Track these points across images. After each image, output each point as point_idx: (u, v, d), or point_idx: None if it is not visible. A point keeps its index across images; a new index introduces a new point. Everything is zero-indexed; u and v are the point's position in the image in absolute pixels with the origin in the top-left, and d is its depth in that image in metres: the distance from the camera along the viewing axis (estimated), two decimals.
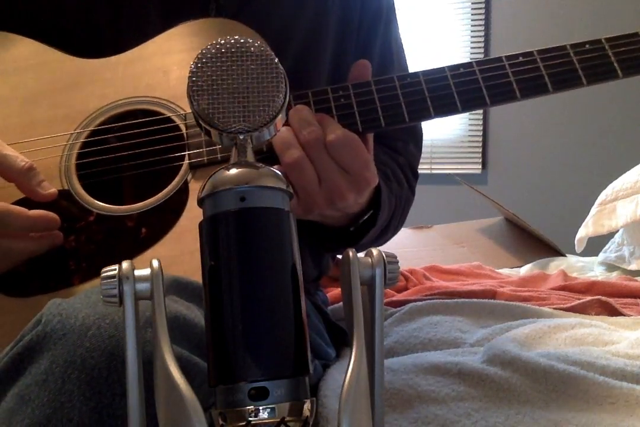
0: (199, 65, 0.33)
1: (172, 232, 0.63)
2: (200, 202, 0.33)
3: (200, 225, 0.33)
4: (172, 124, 0.68)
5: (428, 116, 0.66)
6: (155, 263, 0.33)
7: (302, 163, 0.61)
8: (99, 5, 0.76)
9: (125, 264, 0.33)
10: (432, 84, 0.66)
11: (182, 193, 0.64)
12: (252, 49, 0.33)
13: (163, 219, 0.63)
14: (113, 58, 0.72)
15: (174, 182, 0.65)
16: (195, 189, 0.64)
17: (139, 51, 0.72)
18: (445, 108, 0.66)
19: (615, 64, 0.68)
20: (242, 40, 0.33)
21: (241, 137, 0.34)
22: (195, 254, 0.60)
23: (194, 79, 0.33)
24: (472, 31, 3.18)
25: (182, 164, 0.66)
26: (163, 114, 0.68)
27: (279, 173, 0.33)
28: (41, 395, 0.46)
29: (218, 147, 0.66)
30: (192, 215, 0.63)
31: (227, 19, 0.72)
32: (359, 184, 0.64)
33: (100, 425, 0.45)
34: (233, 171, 0.32)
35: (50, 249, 0.63)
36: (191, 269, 0.59)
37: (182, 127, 0.67)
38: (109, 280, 0.32)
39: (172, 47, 0.72)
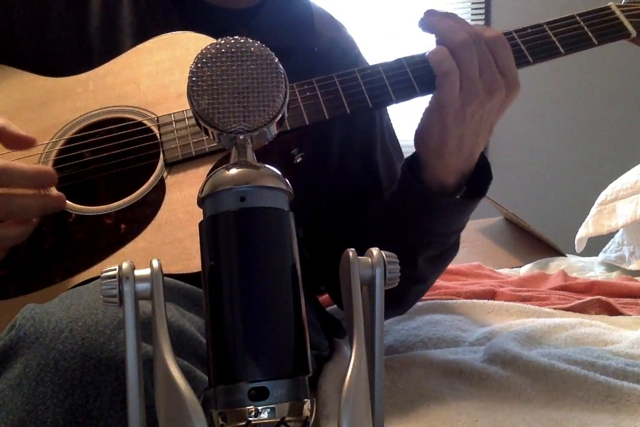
0: (199, 65, 0.33)
1: (151, 225, 0.64)
2: (200, 202, 0.33)
3: (200, 225, 0.33)
4: (144, 127, 0.70)
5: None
6: (155, 263, 0.33)
7: (471, 44, 0.67)
8: (71, 36, 0.78)
9: (125, 264, 0.33)
10: None
11: (159, 189, 0.66)
12: (252, 49, 0.33)
13: (141, 214, 0.65)
14: (83, 75, 0.74)
15: (150, 180, 0.67)
16: (171, 184, 0.66)
17: (108, 67, 0.75)
18: None
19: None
20: (242, 40, 0.33)
21: (241, 137, 0.33)
22: (175, 243, 0.62)
23: (194, 79, 0.33)
24: None
25: (157, 163, 0.68)
26: (136, 120, 0.70)
27: (279, 173, 0.33)
28: (15, 399, 0.46)
29: (192, 142, 0.67)
30: (170, 208, 0.64)
31: (193, 32, 0.74)
32: (511, 86, 0.69)
33: (74, 426, 0.45)
34: (233, 171, 0.32)
35: (54, 211, 0.64)
36: (172, 258, 0.60)
37: (155, 128, 0.69)
38: (109, 280, 0.32)
39: (140, 61, 0.74)
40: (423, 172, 0.74)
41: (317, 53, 0.84)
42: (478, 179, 0.76)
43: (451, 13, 0.71)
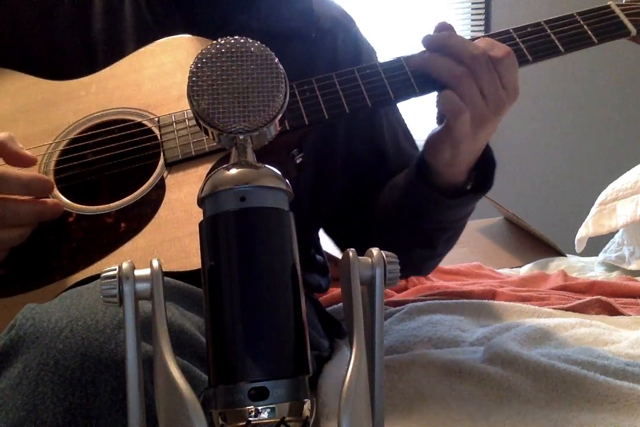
0: (199, 65, 0.33)
1: (151, 224, 0.64)
2: (200, 202, 0.33)
3: (200, 225, 0.33)
4: (145, 128, 0.70)
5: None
6: (155, 263, 0.33)
7: (468, 76, 0.67)
8: (75, 37, 0.79)
9: (125, 264, 0.33)
10: None
11: (159, 188, 0.66)
12: (252, 49, 0.33)
13: (141, 213, 0.65)
14: (86, 78, 0.75)
15: (150, 180, 0.67)
16: (171, 184, 0.66)
17: (111, 70, 0.75)
18: None
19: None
20: (242, 40, 0.33)
21: (241, 137, 0.33)
22: (174, 241, 0.62)
23: (194, 79, 0.33)
24: (472, 31, 3.18)
25: (157, 163, 0.68)
26: (137, 121, 0.71)
27: (279, 173, 0.33)
28: (15, 398, 0.46)
29: (192, 142, 0.68)
30: (170, 207, 0.65)
31: (197, 36, 0.75)
32: (513, 96, 0.70)
33: (74, 425, 0.45)
34: (233, 171, 0.32)
35: (51, 218, 0.64)
36: (171, 255, 0.61)
37: (155, 129, 0.69)
38: (109, 280, 0.32)
39: (143, 64, 0.75)
40: (433, 177, 0.75)
41: (319, 36, 0.84)
42: (483, 163, 0.76)
43: (444, 38, 0.69)
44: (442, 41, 0.69)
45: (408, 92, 0.70)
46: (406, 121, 0.96)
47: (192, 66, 0.33)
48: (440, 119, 0.72)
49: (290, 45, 0.80)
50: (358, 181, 0.90)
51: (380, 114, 0.90)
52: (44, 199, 0.64)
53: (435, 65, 0.68)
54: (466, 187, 0.76)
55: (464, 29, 3.18)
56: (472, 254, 1.76)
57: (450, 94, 0.67)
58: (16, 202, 0.62)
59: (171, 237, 0.63)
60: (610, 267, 1.63)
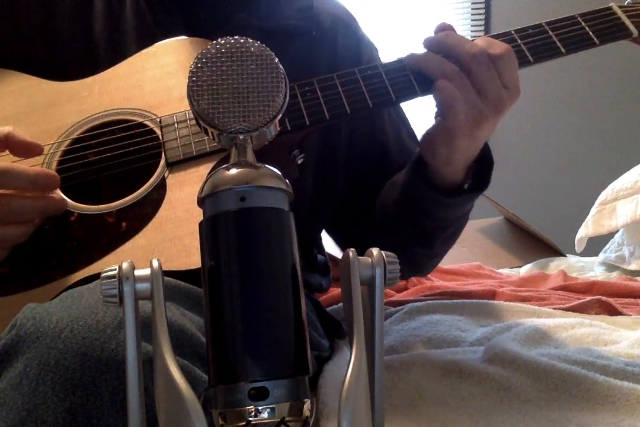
0: (199, 65, 0.33)
1: (151, 223, 0.64)
2: (200, 202, 0.33)
3: (200, 225, 0.33)
4: (147, 128, 0.70)
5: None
6: (155, 263, 0.33)
7: (459, 74, 0.67)
8: (75, 36, 0.79)
9: (125, 264, 0.33)
10: None
11: (160, 188, 0.66)
12: (252, 49, 0.33)
13: (142, 213, 0.65)
14: (89, 79, 0.75)
15: (151, 179, 0.67)
16: (172, 184, 0.67)
17: (113, 71, 0.75)
18: None
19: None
20: (242, 40, 0.33)
21: (241, 137, 0.33)
22: (175, 241, 0.62)
23: (194, 79, 0.33)
24: (472, 31, 3.18)
25: (158, 162, 0.68)
26: (139, 121, 0.71)
27: (279, 173, 0.33)
28: (15, 398, 0.46)
29: (193, 142, 0.68)
30: (171, 206, 0.65)
31: (199, 38, 0.75)
32: (514, 95, 0.70)
33: (74, 425, 0.45)
34: (233, 171, 0.32)
35: (55, 213, 0.64)
36: (171, 255, 0.61)
37: (157, 129, 0.70)
38: (109, 280, 0.32)
39: (145, 65, 0.75)
40: (432, 176, 0.75)
41: (319, 33, 0.84)
42: (481, 162, 0.76)
43: (442, 38, 0.70)
44: (440, 41, 0.69)
45: (409, 92, 0.70)
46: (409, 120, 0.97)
47: (192, 66, 0.33)
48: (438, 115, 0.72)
49: (290, 42, 0.80)
50: (361, 179, 0.90)
51: (383, 111, 0.90)
52: (50, 195, 0.64)
53: (426, 62, 0.69)
54: (464, 185, 0.76)
55: (464, 29, 3.18)
56: (472, 254, 1.76)
57: (445, 83, 0.67)
58: (22, 198, 0.62)
59: (172, 237, 0.63)
60: (610, 267, 1.63)
